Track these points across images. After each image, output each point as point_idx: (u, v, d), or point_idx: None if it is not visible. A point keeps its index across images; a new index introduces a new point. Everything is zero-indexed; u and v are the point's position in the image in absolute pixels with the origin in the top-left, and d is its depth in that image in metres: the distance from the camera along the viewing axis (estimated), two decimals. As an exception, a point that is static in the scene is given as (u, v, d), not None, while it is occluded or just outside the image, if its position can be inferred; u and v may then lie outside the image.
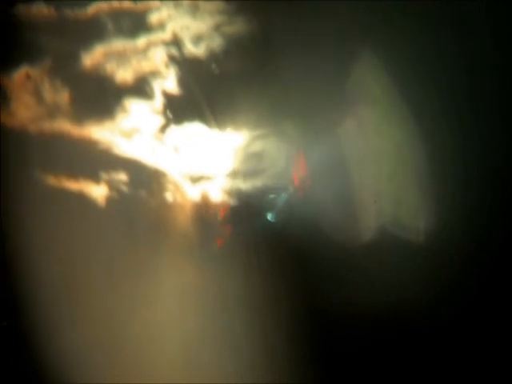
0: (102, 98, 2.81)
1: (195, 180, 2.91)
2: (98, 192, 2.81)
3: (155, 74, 2.83)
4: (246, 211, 2.92)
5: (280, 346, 2.72)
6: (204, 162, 2.92)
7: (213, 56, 2.83)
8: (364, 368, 2.72)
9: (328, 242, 2.76)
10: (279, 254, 2.86)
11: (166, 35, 2.82)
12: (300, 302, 2.77)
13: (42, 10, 2.77)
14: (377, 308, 2.64)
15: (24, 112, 2.80)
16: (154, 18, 2.82)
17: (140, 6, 2.81)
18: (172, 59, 2.83)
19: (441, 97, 2.79)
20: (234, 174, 2.92)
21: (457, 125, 2.78)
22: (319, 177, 2.91)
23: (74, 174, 2.80)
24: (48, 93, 2.81)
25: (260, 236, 2.92)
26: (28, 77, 2.80)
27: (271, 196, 2.95)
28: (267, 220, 2.95)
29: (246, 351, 2.73)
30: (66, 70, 2.80)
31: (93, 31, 2.78)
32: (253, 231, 2.92)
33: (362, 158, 2.89)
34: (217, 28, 2.83)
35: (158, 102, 2.84)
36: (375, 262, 2.76)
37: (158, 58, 2.82)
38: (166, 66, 2.83)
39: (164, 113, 2.85)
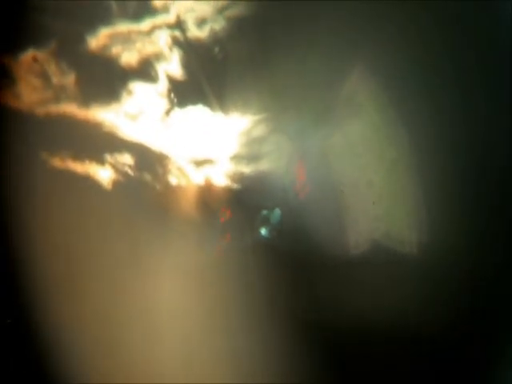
0: (107, 80, 2.82)
1: (199, 164, 2.91)
2: (103, 175, 2.82)
3: (159, 57, 2.82)
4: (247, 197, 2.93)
5: (277, 343, 2.71)
6: (208, 146, 2.92)
7: (217, 39, 2.81)
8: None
9: (324, 250, 2.78)
10: (275, 261, 2.87)
11: (170, 18, 2.82)
12: (295, 305, 2.79)
13: (49, -7, 2.77)
14: (373, 318, 2.63)
15: (30, 94, 2.82)
16: (158, 0, 2.81)
17: (145, -12, 2.80)
18: (176, 42, 2.83)
19: (438, 102, 2.76)
20: (238, 158, 2.92)
21: (455, 132, 2.74)
22: (316, 180, 2.91)
23: (80, 157, 2.82)
24: (54, 75, 2.82)
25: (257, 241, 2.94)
26: (35, 59, 2.80)
27: (264, 212, 2.95)
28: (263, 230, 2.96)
29: (244, 348, 2.74)
30: (72, 53, 2.80)
31: (98, 14, 2.78)
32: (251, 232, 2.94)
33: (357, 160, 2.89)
34: (221, 11, 2.81)
35: (163, 85, 2.84)
36: (371, 271, 2.75)
37: (162, 41, 2.82)
38: (170, 49, 2.83)
39: (168, 96, 2.85)
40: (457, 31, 2.72)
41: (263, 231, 2.94)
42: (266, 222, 2.94)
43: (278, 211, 2.93)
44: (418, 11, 2.69)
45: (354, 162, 2.87)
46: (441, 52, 2.73)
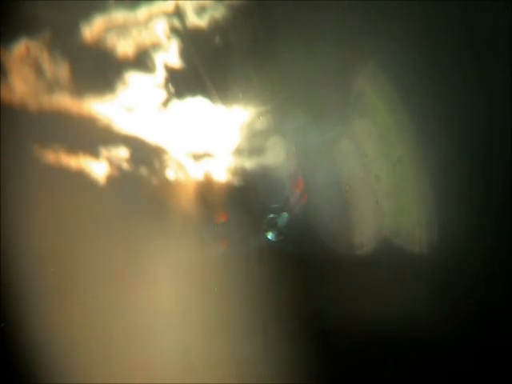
0: (102, 71, 2.76)
1: (198, 158, 2.84)
2: (98, 169, 2.76)
3: (157, 46, 2.76)
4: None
5: (279, 343, 2.69)
6: (207, 140, 2.85)
7: (217, 28, 2.75)
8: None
9: (329, 250, 2.75)
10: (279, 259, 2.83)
11: (168, 6, 2.75)
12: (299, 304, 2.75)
13: (41, -19, 2.70)
14: (379, 319, 2.61)
15: (23, 86, 2.76)
16: (155, -13, 2.76)
17: (141, -25, 2.75)
18: (174, 31, 2.76)
19: (443, 101, 2.75)
20: (239, 152, 2.85)
21: (461, 130, 2.72)
22: (318, 181, 2.87)
23: (74, 151, 2.75)
24: (47, 66, 2.76)
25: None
26: (27, 50, 2.74)
27: (270, 216, 2.90)
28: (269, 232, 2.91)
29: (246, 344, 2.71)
30: (66, 43, 2.74)
31: (93, 2, 2.72)
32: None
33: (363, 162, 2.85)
34: (221, -2, 2.76)
35: (160, 76, 2.78)
36: (378, 271, 2.73)
37: (159, 29, 2.76)
38: (168, 38, 2.77)
39: (166, 87, 2.79)
40: (458, 31, 2.73)
41: (269, 234, 2.88)
42: (271, 225, 2.88)
43: (284, 215, 2.88)
44: (422, 10, 2.69)
45: (359, 158, 2.85)
46: (443, 52, 2.73)
